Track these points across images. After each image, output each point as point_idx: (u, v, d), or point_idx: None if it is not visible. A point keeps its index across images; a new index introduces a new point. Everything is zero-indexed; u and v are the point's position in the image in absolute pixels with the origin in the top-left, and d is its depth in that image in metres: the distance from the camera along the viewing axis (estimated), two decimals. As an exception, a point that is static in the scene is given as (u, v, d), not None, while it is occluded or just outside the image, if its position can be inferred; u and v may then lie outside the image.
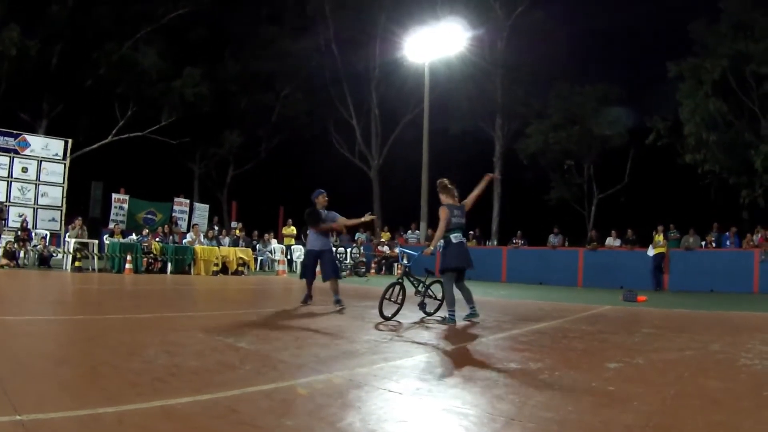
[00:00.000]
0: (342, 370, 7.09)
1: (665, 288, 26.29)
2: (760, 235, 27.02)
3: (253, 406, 5.39)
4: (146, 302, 15.40)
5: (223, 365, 7.14)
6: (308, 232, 14.85)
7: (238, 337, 9.21)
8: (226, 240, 29.54)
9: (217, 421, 4.85)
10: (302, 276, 15.24)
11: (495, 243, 39.90)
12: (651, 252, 26.76)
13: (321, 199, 14.63)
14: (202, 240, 26.80)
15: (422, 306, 12.47)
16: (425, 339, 9.95)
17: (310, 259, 14.69)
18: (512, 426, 5.06)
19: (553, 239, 31.19)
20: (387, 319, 11.36)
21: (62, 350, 8.06)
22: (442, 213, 12.09)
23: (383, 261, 32.75)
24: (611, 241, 30.29)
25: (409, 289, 12.75)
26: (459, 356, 8.50)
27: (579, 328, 11.44)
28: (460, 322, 11.80)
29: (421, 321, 11.97)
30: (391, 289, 11.99)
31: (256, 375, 6.68)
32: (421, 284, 12.58)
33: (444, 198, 12.30)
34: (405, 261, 11.74)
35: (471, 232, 34.58)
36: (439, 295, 12.50)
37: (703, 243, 28.67)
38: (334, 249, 28.51)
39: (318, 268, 14.69)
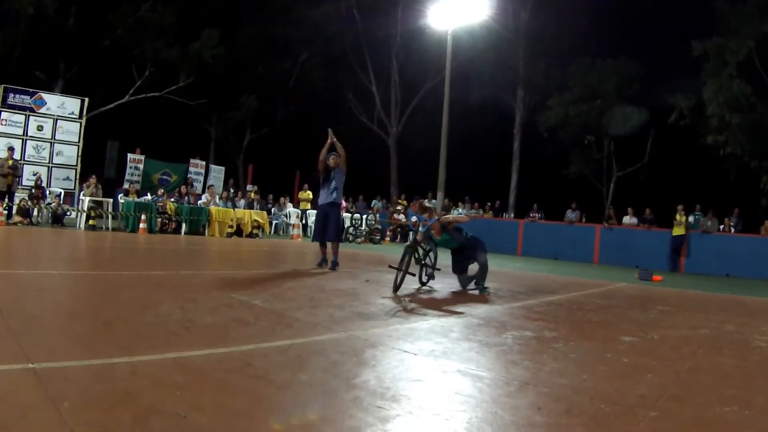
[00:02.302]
0: (357, 330, 7.05)
1: (681, 270, 26.04)
2: (777, 223, 26.84)
3: (268, 361, 5.36)
4: (160, 260, 15.43)
5: (238, 321, 7.11)
6: (320, 189, 14.83)
7: (253, 296, 9.16)
8: (242, 202, 29.49)
9: (232, 374, 4.80)
10: (314, 238, 15.35)
11: (512, 216, 39.70)
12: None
13: (332, 159, 14.52)
14: (217, 201, 26.75)
15: (420, 276, 12.21)
16: (440, 305, 9.89)
17: (320, 217, 14.75)
18: (526, 390, 5.02)
19: (570, 214, 30.96)
20: (396, 288, 10.92)
21: (75, 304, 8.00)
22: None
23: (399, 229, 32.65)
24: (628, 219, 30.05)
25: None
26: (474, 322, 8.39)
27: (593, 302, 11.36)
28: (473, 292, 11.71)
29: (418, 290, 11.68)
30: (405, 258, 11.62)
31: (270, 332, 6.64)
32: (426, 253, 12.28)
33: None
34: (421, 228, 11.39)
35: (488, 204, 34.53)
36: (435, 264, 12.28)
37: (722, 227, 28.44)
38: (348, 215, 28.51)
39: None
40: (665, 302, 13.18)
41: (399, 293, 10.67)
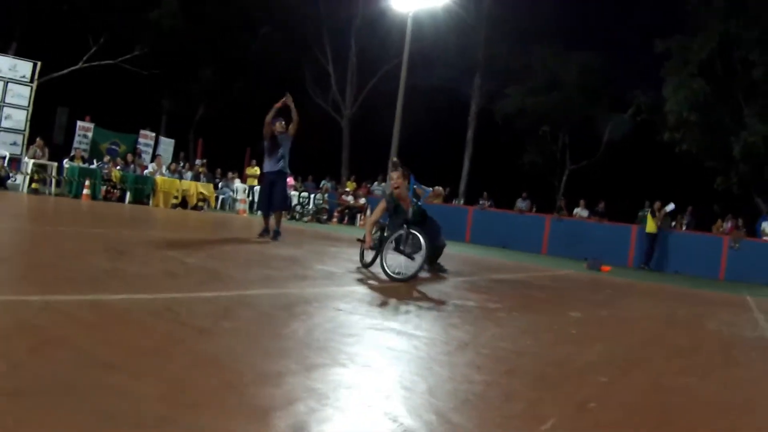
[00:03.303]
0: (292, 289, 6.91)
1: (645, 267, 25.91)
2: (730, 224, 26.96)
3: (192, 308, 5.15)
4: (100, 221, 15.05)
5: (168, 274, 6.92)
6: (265, 157, 14.35)
7: (188, 254, 8.95)
8: (188, 174, 29.12)
9: (150, 317, 4.60)
10: (259, 208, 15.08)
11: (462, 202, 39.62)
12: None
13: (278, 125, 14.01)
14: (163, 172, 26.36)
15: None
16: (382, 275, 9.59)
17: (266, 185, 14.29)
18: (465, 350, 4.87)
19: (521, 203, 30.86)
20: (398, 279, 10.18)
21: (5, 251, 7.73)
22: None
23: (346, 210, 32.47)
24: (579, 211, 30.05)
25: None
26: (415, 290, 8.30)
27: (541, 283, 11.24)
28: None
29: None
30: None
31: (200, 284, 6.49)
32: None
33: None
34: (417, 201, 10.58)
35: (438, 187, 34.49)
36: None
37: (673, 224, 28.51)
38: (296, 193, 28.28)
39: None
40: (615, 288, 13.32)
41: (345, 262, 10.43)
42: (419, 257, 9.26)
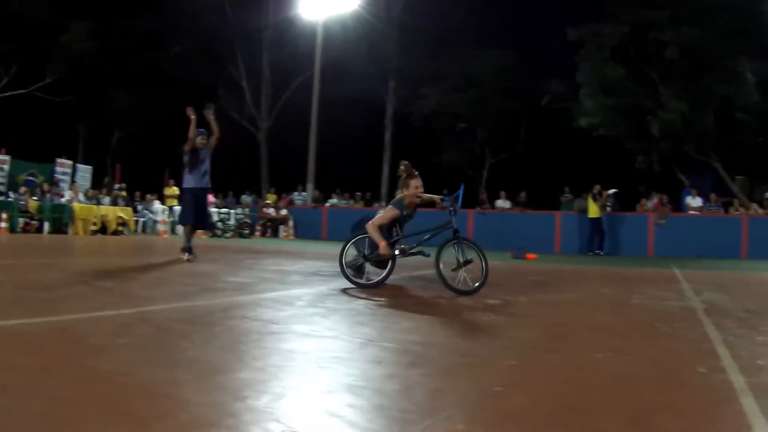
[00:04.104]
0: (197, 302, 6.84)
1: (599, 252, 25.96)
2: (656, 200, 27.36)
3: (89, 327, 5.12)
4: (14, 252, 14.83)
5: (74, 297, 6.85)
6: (184, 173, 13.61)
7: (99, 277, 8.90)
8: (106, 200, 28.78)
9: (45, 338, 4.60)
10: (185, 221, 13.94)
11: (383, 204, 39.47)
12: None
13: (200, 139, 13.31)
14: (80, 198, 26.05)
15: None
16: (293, 280, 9.69)
17: (191, 200, 13.41)
18: (369, 346, 4.86)
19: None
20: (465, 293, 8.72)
21: None
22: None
23: (269, 223, 32.33)
24: (501, 203, 30.20)
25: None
26: (325, 292, 8.29)
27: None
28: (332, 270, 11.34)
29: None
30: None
31: (104, 305, 6.37)
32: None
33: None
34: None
35: (359, 194, 34.42)
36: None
37: (608, 207, 28.75)
38: (216, 209, 28.10)
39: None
40: (539, 274, 13.36)
41: (263, 270, 10.36)
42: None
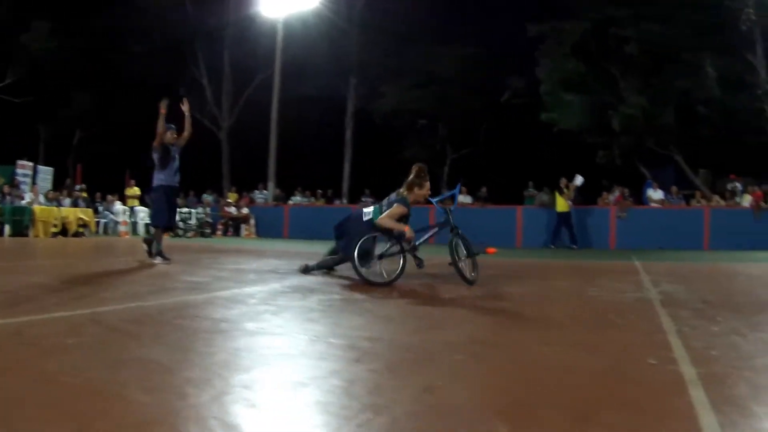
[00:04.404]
0: (151, 302, 6.81)
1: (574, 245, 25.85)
2: (618, 193, 27.54)
3: (41, 329, 5.09)
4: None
5: (26, 299, 6.79)
6: (155, 171, 13.01)
7: (56, 279, 8.82)
8: (67, 201, 28.59)
9: None
10: (159, 222, 13.35)
11: (345, 202, 39.63)
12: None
13: (170, 135, 12.93)
14: (41, 200, 25.87)
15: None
16: (249, 278, 9.69)
17: (165, 198, 12.99)
18: (317, 343, 4.87)
19: (361, 203, 30.99)
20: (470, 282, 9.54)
21: None
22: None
23: (230, 222, 32.23)
24: (462, 198, 30.14)
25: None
26: (278, 290, 8.28)
27: (419, 272, 11.10)
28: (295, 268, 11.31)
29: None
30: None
31: (57, 305, 6.34)
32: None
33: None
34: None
35: (320, 191, 34.38)
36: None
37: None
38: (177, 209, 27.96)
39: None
40: (498, 268, 13.29)
41: (221, 269, 10.37)
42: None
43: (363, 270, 9.23)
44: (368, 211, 10.23)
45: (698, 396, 3.43)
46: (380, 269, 9.59)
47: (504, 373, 4.10)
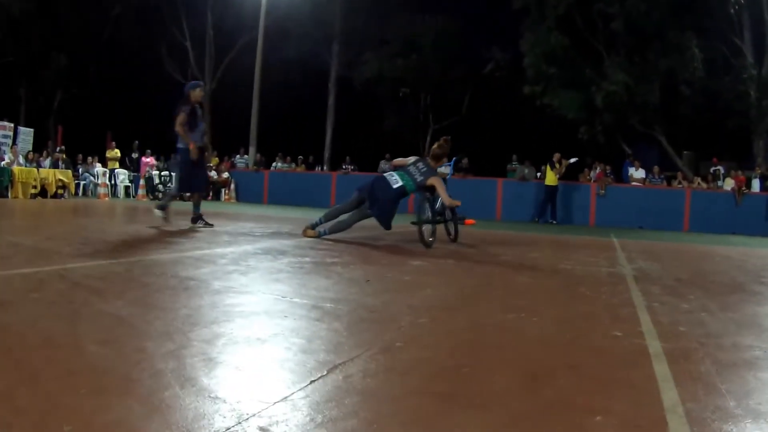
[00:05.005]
0: (120, 259, 6.80)
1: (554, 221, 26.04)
2: (598, 170, 27.54)
3: (4, 284, 5.05)
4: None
5: None
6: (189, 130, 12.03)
7: (27, 237, 8.84)
8: (47, 162, 28.40)
9: None
10: (195, 188, 12.82)
11: (326, 168, 39.54)
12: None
13: (195, 94, 12.11)
14: (20, 161, 25.70)
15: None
16: (222, 240, 9.67)
17: (189, 164, 12.07)
18: (281, 302, 4.89)
19: (383, 165, 30.78)
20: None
21: None
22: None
23: (210, 186, 32.11)
24: (443, 169, 30.09)
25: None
26: (251, 251, 8.29)
27: (392, 239, 11.15)
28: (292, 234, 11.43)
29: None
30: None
31: (23, 262, 6.34)
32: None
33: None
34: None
35: (301, 157, 34.28)
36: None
37: (538, 174, 28.86)
38: (157, 172, 27.76)
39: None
40: (473, 238, 13.43)
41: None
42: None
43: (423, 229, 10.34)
44: (395, 178, 10.63)
45: (661, 370, 3.43)
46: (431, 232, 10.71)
47: (463, 336, 4.14)
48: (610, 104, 32.28)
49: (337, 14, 42.55)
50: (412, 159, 11.19)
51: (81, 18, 43.35)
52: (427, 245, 10.14)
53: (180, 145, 12.05)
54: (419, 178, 10.59)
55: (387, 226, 10.77)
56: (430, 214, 11.04)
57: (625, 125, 34.07)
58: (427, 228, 10.61)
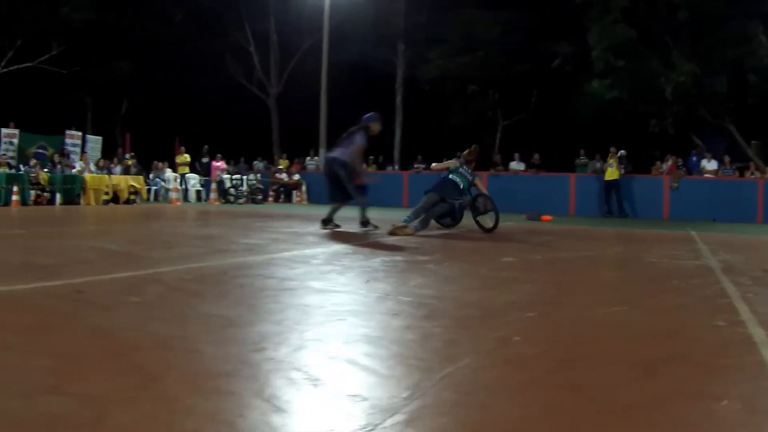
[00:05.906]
0: (209, 262, 6.81)
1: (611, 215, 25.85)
2: (670, 162, 27.21)
3: (100, 289, 5.06)
4: (25, 223, 14.69)
5: (82, 262, 6.83)
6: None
7: (109, 242, 8.87)
8: (117, 169, 28.70)
9: (55, 300, 4.53)
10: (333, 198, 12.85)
11: (397, 168, 39.56)
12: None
13: (376, 126, 12.73)
14: (91, 169, 25.98)
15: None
16: (308, 241, 9.62)
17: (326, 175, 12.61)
18: (386, 300, 4.83)
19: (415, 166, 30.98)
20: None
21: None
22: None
23: (281, 188, 32.22)
24: (515, 165, 30.08)
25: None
26: (341, 251, 8.31)
27: (477, 236, 11.20)
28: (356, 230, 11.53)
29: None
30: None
31: (114, 267, 6.29)
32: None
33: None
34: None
35: (372, 157, 34.26)
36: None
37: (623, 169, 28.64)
38: (228, 176, 27.93)
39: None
40: (555, 234, 13.35)
41: (278, 231, 10.42)
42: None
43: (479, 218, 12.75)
44: (458, 180, 12.52)
45: (770, 356, 3.36)
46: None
47: (572, 329, 4.09)
48: (680, 95, 31.92)
49: (401, 11, 42.54)
50: (452, 162, 13.31)
51: (138, 25, 43.74)
52: (487, 230, 12.36)
53: (346, 160, 12.09)
54: (470, 178, 12.75)
55: (459, 221, 13.41)
56: (424, 215, 12.02)
57: (695, 116, 33.66)
58: (482, 218, 12.76)
